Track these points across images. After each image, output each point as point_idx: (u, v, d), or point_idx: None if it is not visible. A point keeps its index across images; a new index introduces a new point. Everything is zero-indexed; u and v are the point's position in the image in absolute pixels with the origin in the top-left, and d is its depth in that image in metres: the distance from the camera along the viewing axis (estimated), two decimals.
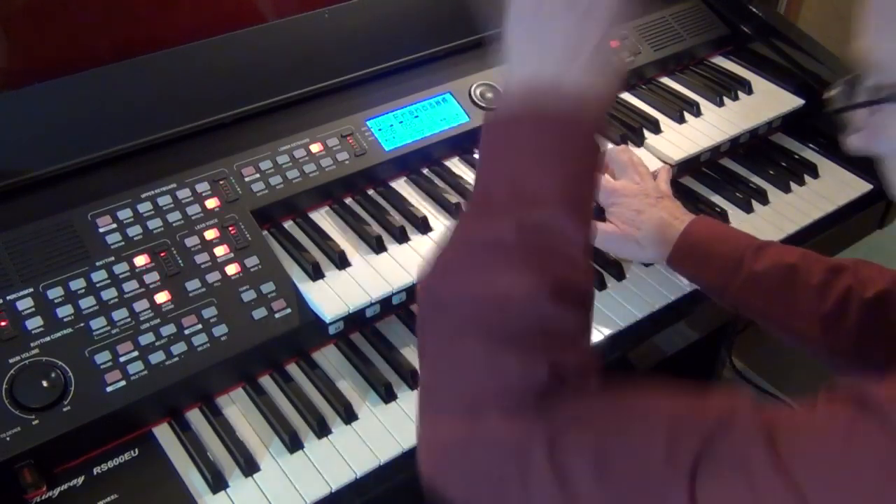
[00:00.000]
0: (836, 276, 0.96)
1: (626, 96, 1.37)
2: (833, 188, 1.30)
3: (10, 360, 0.86)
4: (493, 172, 0.68)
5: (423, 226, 1.08)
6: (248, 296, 0.96)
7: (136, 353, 0.89)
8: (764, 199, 1.27)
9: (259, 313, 0.95)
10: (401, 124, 1.16)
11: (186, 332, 0.92)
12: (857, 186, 1.31)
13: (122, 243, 0.96)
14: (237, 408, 0.95)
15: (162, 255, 0.96)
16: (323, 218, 1.10)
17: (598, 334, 1.03)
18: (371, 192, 1.15)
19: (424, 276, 0.67)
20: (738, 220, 1.23)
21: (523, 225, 0.63)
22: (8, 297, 0.89)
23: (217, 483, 0.86)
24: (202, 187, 1.03)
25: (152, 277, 0.94)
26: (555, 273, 0.63)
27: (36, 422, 0.83)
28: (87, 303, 0.91)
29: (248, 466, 0.88)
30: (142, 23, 1.13)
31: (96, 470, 0.86)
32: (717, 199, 1.27)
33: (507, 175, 0.66)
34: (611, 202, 1.11)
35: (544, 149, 0.65)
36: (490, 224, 0.65)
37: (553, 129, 0.65)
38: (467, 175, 1.18)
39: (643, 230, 1.07)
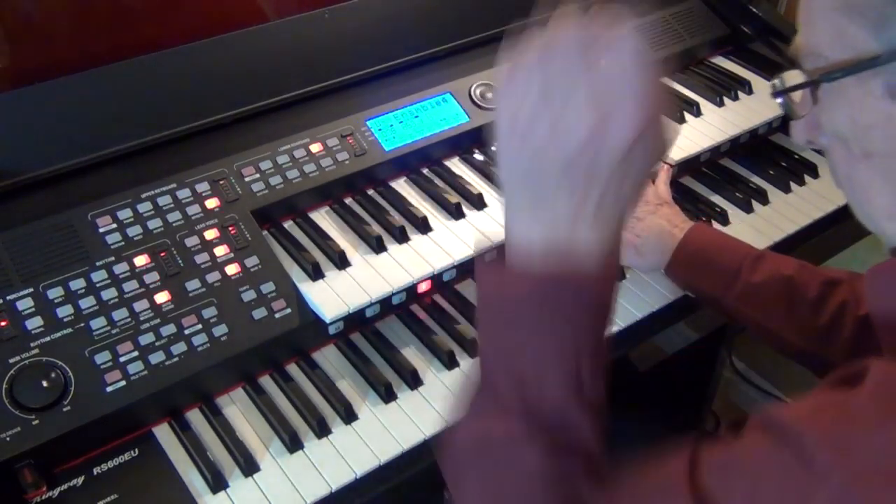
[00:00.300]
0: (832, 289, 0.97)
1: None
2: (833, 188, 1.28)
3: (10, 360, 0.86)
4: (495, 355, 0.65)
5: (423, 226, 1.08)
6: (248, 296, 0.96)
7: (136, 353, 0.89)
8: (764, 199, 1.26)
9: (259, 313, 0.95)
10: (401, 124, 1.16)
11: (186, 332, 0.92)
12: None
13: (122, 243, 0.96)
14: (237, 408, 0.95)
15: (162, 255, 0.96)
16: (323, 218, 1.10)
17: None
18: (371, 192, 1.15)
19: (445, 461, 0.67)
20: (738, 220, 1.23)
21: (532, 427, 0.61)
22: (8, 297, 0.89)
23: (217, 483, 0.86)
24: (202, 187, 1.03)
25: (152, 277, 0.94)
26: (567, 453, 0.61)
27: (36, 422, 0.83)
28: (87, 303, 0.91)
29: (248, 466, 0.88)
30: (142, 23, 1.13)
31: (96, 470, 0.86)
32: (717, 199, 1.27)
33: (508, 364, 0.63)
34: None
35: (549, 323, 0.61)
36: (498, 419, 0.62)
37: (558, 297, 0.60)
38: (467, 175, 1.18)
39: (642, 238, 1.07)
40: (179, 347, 0.91)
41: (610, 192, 0.60)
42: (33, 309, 0.89)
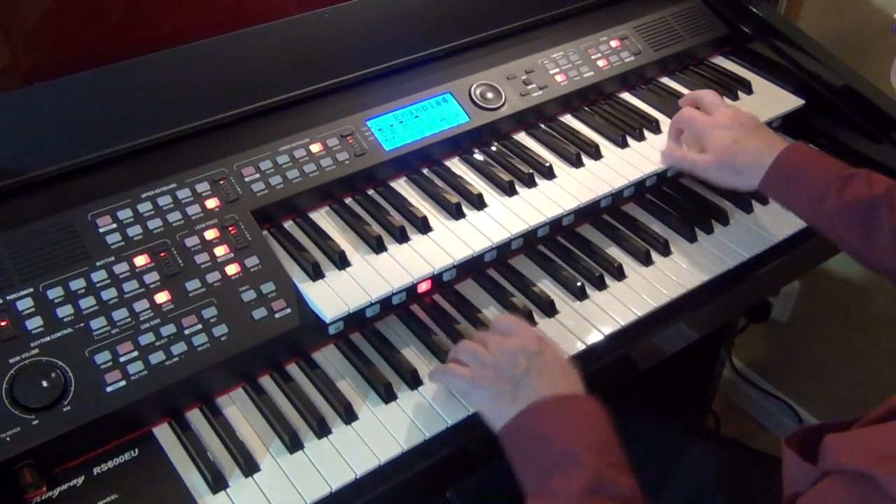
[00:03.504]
0: None
1: (626, 96, 1.37)
2: None
3: (10, 360, 0.86)
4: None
5: (423, 226, 1.08)
6: (248, 296, 0.96)
7: (136, 353, 0.89)
8: (764, 199, 1.26)
9: (259, 313, 0.95)
10: (401, 124, 1.16)
11: (186, 332, 0.92)
12: None
13: (122, 243, 0.96)
14: (237, 408, 0.95)
15: (162, 255, 0.96)
16: (323, 218, 1.10)
17: (598, 334, 1.04)
18: (371, 192, 1.15)
19: None
20: (738, 219, 1.23)
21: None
22: (8, 297, 0.89)
23: (217, 483, 0.86)
24: (202, 187, 1.03)
25: (152, 277, 0.94)
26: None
27: (36, 422, 0.83)
28: (87, 303, 0.91)
29: (248, 466, 0.88)
30: (142, 23, 1.13)
31: (96, 470, 0.86)
32: (717, 199, 1.27)
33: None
34: (708, 133, 1.16)
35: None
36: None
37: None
38: (467, 175, 1.18)
39: (739, 158, 1.12)
40: (179, 347, 0.91)
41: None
42: (33, 309, 0.89)
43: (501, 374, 0.88)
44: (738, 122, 1.16)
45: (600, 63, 1.34)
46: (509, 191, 1.14)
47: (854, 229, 1.02)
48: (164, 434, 0.91)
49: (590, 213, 1.20)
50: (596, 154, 1.23)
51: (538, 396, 0.86)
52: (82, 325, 0.90)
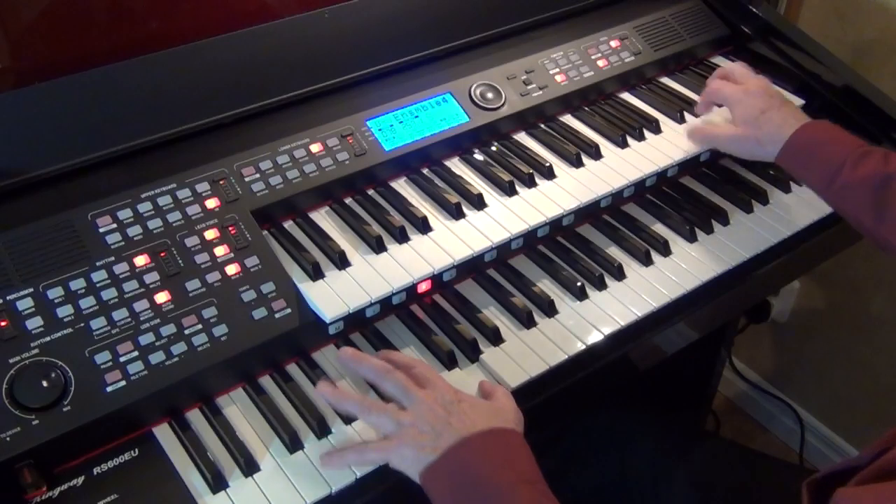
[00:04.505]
0: None
1: (626, 96, 1.37)
2: None
3: (10, 360, 0.86)
4: None
5: (423, 226, 1.08)
6: (248, 296, 0.96)
7: (136, 353, 0.89)
8: (764, 199, 1.26)
9: (259, 313, 0.95)
10: (401, 124, 1.16)
11: (186, 332, 0.92)
12: None
13: (122, 243, 0.96)
14: (237, 408, 0.95)
15: (162, 255, 0.96)
16: (323, 218, 1.10)
17: (599, 334, 1.04)
18: (371, 192, 1.15)
19: None
20: (738, 220, 1.23)
21: None
22: (8, 297, 0.89)
23: (217, 483, 0.86)
24: (202, 187, 1.03)
25: (152, 277, 0.94)
26: None
27: (36, 422, 0.83)
28: (87, 303, 0.91)
29: (248, 466, 0.88)
30: (142, 23, 1.13)
31: (96, 470, 0.86)
32: (717, 199, 1.26)
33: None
34: (738, 100, 1.19)
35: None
36: None
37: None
38: (467, 175, 1.18)
39: (763, 129, 1.14)
40: (179, 347, 0.91)
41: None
42: (33, 309, 0.89)
43: (421, 429, 0.85)
44: (768, 92, 1.19)
45: (600, 63, 1.34)
46: (509, 191, 1.14)
47: (865, 205, 1.03)
48: (164, 434, 0.91)
49: (590, 213, 1.20)
50: (596, 154, 1.23)
51: (459, 438, 0.84)
52: (82, 325, 0.90)
